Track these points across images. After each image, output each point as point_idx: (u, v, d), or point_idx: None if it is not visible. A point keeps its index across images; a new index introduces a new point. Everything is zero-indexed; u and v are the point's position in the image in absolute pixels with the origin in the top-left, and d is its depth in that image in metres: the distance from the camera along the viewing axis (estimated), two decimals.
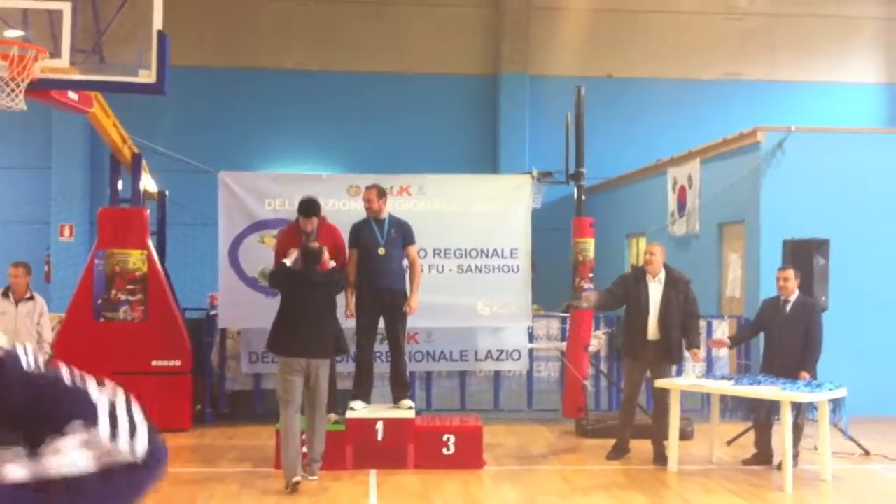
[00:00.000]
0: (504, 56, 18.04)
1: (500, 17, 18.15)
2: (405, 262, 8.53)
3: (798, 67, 18.43)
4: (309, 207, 8.13)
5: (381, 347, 8.88)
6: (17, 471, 1.38)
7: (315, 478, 7.35)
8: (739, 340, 8.43)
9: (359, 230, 8.37)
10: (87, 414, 1.48)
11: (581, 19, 18.05)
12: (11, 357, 1.51)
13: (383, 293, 8.25)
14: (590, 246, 9.80)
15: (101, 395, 1.55)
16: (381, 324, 8.41)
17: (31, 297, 8.92)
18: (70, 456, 1.41)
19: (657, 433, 8.30)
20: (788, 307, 8.24)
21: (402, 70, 17.88)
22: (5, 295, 8.80)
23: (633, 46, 18.18)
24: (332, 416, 7.95)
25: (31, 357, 1.49)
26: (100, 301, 9.55)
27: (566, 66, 17.72)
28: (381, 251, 8.25)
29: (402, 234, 8.42)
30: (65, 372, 1.56)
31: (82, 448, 1.43)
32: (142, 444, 1.51)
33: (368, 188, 8.52)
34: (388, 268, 8.28)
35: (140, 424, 1.54)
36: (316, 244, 7.69)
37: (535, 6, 18.12)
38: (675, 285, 8.35)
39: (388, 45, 17.90)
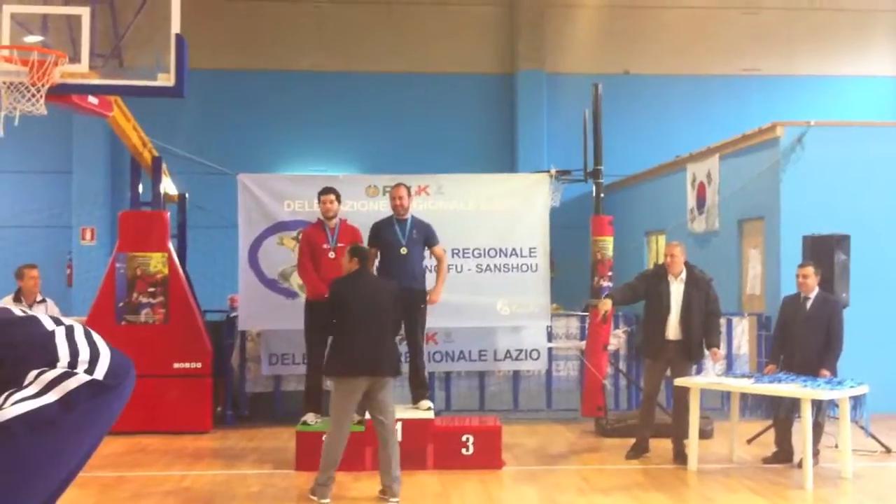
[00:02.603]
0: (520, 54, 18.04)
1: (515, 15, 18.15)
2: (425, 263, 8.54)
3: (816, 61, 18.32)
4: (327, 188, 8.49)
5: (400, 348, 8.88)
6: None
7: (396, 500, 6.89)
8: (777, 353, 8.39)
9: (380, 229, 8.38)
10: (44, 349, 1.47)
11: (596, 16, 18.03)
12: None
13: (402, 293, 8.22)
14: (609, 244, 9.78)
15: (58, 325, 1.54)
16: None
17: (43, 300, 8.71)
18: (28, 403, 1.40)
19: (677, 432, 8.27)
20: (809, 304, 8.20)
21: (419, 70, 17.91)
22: (17, 299, 8.51)
23: (650, 43, 18.13)
24: (355, 416, 7.95)
25: None
26: (121, 304, 9.62)
27: (582, 63, 17.71)
28: (404, 250, 8.26)
29: (424, 235, 8.43)
30: (15, 311, 1.56)
31: (40, 393, 1.42)
32: (103, 363, 1.50)
33: (396, 186, 8.49)
34: (408, 267, 8.29)
35: (101, 346, 1.53)
36: (363, 245, 7.48)
37: (550, 3, 18.11)
38: (697, 284, 8.32)
39: (404, 45, 17.94)
